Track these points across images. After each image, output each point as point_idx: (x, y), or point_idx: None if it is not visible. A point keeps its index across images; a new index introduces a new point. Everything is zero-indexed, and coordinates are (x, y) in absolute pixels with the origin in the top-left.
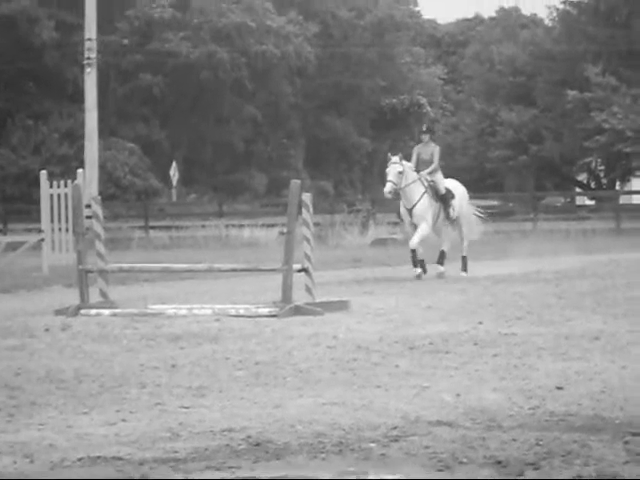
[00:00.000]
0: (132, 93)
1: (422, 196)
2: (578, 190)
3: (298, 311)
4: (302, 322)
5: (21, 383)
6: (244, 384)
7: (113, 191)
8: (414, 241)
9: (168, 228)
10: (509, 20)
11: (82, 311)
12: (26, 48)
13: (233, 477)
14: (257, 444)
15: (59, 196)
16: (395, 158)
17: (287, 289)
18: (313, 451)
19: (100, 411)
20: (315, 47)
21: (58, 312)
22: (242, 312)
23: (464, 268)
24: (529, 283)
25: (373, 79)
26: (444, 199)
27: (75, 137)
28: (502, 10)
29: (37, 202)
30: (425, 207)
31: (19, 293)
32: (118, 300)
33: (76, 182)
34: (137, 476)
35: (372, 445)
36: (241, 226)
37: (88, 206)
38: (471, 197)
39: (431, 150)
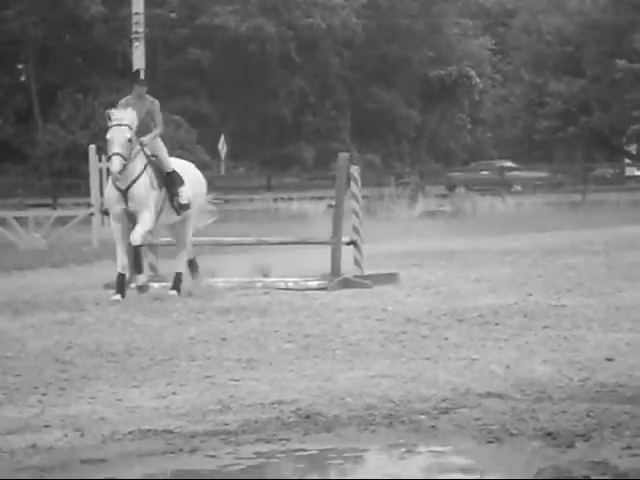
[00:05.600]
0: (180, 67)
1: (142, 173)
2: (627, 161)
3: (347, 284)
4: (351, 295)
5: (72, 357)
6: (293, 357)
7: None
8: (137, 235)
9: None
10: None
11: (132, 285)
12: (74, 23)
13: (283, 449)
14: (307, 416)
15: (108, 170)
16: (119, 114)
17: (336, 262)
18: (363, 423)
19: (150, 384)
20: (362, 18)
21: (108, 286)
22: (291, 285)
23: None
24: (578, 254)
25: (421, 50)
26: (170, 182)
27: None
28: None
29: (86, 176)
30: (146, 188)
31: (69, 267)
32: (168, 274)
33: None
34: (188, 449)
35: (422, 417)
36: (290, 199)
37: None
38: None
39: (147, 107)
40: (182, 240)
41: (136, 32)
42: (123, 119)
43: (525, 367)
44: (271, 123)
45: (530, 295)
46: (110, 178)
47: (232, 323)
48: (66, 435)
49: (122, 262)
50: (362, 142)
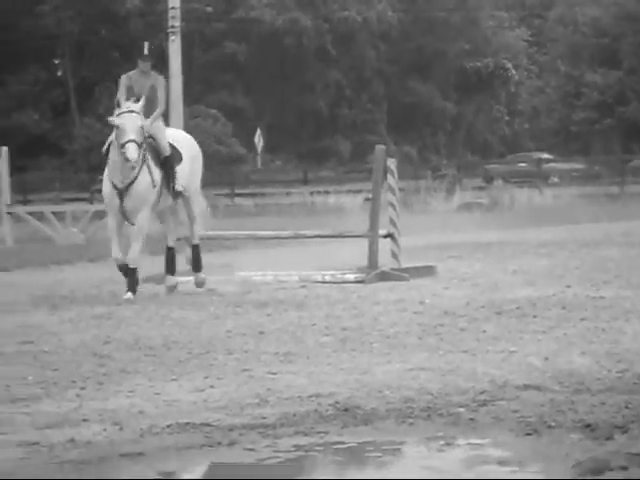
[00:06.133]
0: (216, 61)
1: (142, 166)
2: None
3: (384, 277)
4: (388, 288)
5: (110, 351)
6: (331, 350)
7: None
8: (134, 255)
9: (253, 195)
10: None
11: (167, 284)
12: (110, 18)
13: (321, 442)
14: (345, 409)
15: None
16: (128, 102)
17: (373, 255)
18: (401, 416)
19: (188, 378)
20: (398, 12)
21: (145, 280)
22: (328, 278)
23: (196, 265)
24: (616, 246)
25: (457, 43)
26: (168, 164)
27: None
28: None
29: None
30: (147, 185)
31: (107, 261)
32: (205, 267)
33: None
34: (226, 442)
35: (460, 410)
36: (326, 192)
37: None
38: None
39: (151, 83)
40: (192, 215)
41: (172, 26)
42: (132, 106)
43: (563, 359)
44: (307, 116)
45: (568, 287)
46: (106, 171)
47: (269, 316)
48: (105, 429)
49: (117, 257)
50: (399, 135)
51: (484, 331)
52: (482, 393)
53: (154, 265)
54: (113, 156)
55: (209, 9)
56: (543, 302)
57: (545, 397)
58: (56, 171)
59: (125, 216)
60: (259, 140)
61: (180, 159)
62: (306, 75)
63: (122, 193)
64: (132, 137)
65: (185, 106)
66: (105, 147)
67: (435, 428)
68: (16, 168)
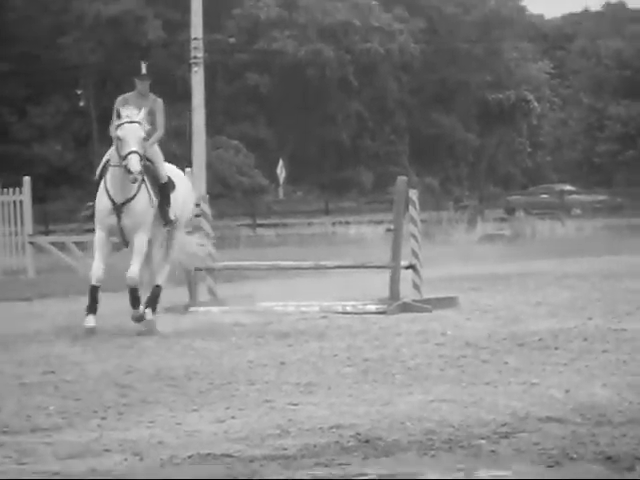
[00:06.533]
0: (239, 92)
1: (141, 185)
2: None
3: (406, 308)
4: (410, 319)
5: (131, 381)
6: (352, 381)
7: (220, 190)
8: (134, 269)
9: (275, 226)
10: (615, 14)
11: (191, 309)
12: (133, 47)
13: (342, 474)
14: (366, 441)
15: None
16: (129, 111)
17: (395, 286)
18: (422, 448)
19: (209, 408)
20: (420, 43)
21: (167, 310)
22: (349, 309)
23: (151, 302)
24: (638, 278)
25: (479, 74)
26: (164, 191)
27: (184, 136)
28: (608, 4)
29: None
30: (146, 204)
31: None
32: (226, 298)
33: None
34: (247, 473)
35: (482, 442)
36: (347, 223)
37: (197, 205)
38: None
39: (149, 105)
40: (168, 254)
41: (195, 57)
42: (134, 116)
43: (585, 391)
44: (329, 147)
45: (590, 319)
46: (101, 187)
47: (291, 347)
48: (125, 459)
49: (97, 273)
50: (421, 166)
51: (506, 363)
52: (504, 425)
53: (176, 295)
54: (112, 171)
55: (232, 40)
56: (565, 334)
57: (567, 429)
58: (78, 202)
59: (122, 234)
60: (281, 171)
61: (174, 187)
62: (328, 106)
63: (119, 210)
64: (134, 148)
65: (207, 137)
66: (99, 169)
67: (456, 460)
68: (38, 198)
